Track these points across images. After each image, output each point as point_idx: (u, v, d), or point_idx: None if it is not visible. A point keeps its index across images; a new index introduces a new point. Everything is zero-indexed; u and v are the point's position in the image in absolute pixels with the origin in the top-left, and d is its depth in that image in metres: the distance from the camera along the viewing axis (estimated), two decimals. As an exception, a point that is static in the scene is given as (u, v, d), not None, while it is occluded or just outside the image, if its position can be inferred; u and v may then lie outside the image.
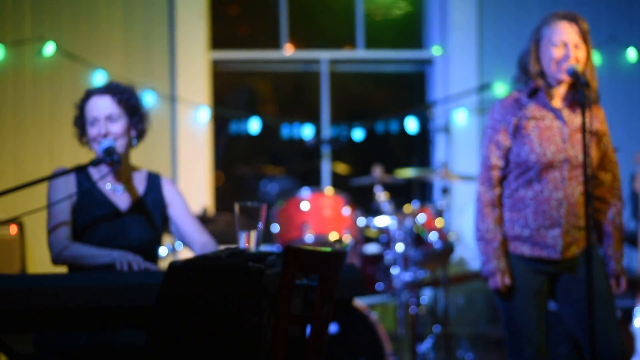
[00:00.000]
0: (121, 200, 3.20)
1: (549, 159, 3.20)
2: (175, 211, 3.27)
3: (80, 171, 3.18)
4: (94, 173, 3.21)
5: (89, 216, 3.12)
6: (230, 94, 6.08)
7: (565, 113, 3.26)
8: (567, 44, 3.19)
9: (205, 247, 3.19)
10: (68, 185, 3.14)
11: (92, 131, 3.15)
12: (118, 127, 3.15)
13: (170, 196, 3.28)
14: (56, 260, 3.05)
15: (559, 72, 3.21)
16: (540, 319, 3.25)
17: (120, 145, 3.15)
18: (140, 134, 3.25)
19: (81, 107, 3.20)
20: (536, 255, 3.24)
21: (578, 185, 3.22)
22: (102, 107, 3.15)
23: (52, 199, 3.11)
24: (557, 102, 3.28)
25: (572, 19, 3.22)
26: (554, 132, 3.22)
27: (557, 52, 3.20)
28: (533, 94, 3.28)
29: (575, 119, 3.25)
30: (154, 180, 3.30)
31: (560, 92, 3.27)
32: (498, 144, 3.27)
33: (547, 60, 3.23)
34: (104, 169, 3.18)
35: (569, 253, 3.25)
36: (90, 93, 3.20)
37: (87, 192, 3.15)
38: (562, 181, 3.21)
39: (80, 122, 3.21)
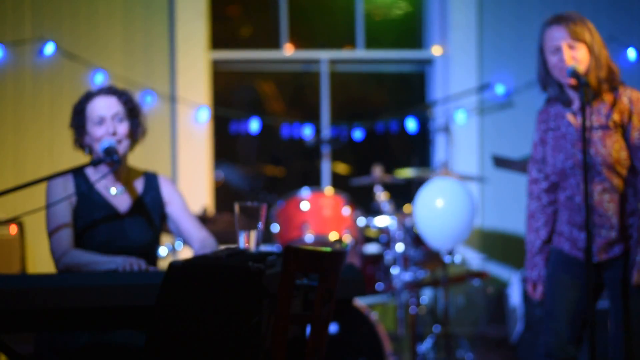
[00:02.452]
0: (120, 202, 3.19)
1: (560, 168, 3.26)
2: (173, 209, 3.27)
3: (78, 174, 3.17)
4: (92, 175, 3.19)
5: (89, 219, 3.11)
6: (235, 93, 6.09)
7: (579, 115, 3.25)
8: (560, 48, 3.20)
9: (204, 243, 3.19)
10: (66, 189, 3.12)
11: (99, 131, 3.12)
12: (124, 127, 3.15)
13: (168, 195, 3.28)
14: (58, 265, 3.04)
15: (562, 76, 3.21)
16: (572, 312, 3.27)
17: (124, 147, 3.15)
18: (139, 137, 3.25)
19: (82, 107, 3.17)
20: (573, 255, 3.30)
21: (596, 185, 3.20)
22: (109, 106, 3.14)
23: (51, 202, 3.10)
24: (574, 105, 3.27)
25: (558, 21, 3.22)
26: (566, 139, 3.25)
27: (554, 58, 3.21)
28: (549, 103, 3.34)
29: (587, 120, 3.21)
30: (151, 180, 3.29)
31: (573, 94, 3.27)
32: (534, 158, 3.40)
33: (550, 69, 3.24)
34: (103, 169, 3.17)
35: (604, 254, 3.25)
36: (92, 93, 3.18)
37: (86, 195, 3.13)
38: (577, 186, 3.23)
39: (81, 123, 3.16)
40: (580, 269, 3.26)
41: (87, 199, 3.13)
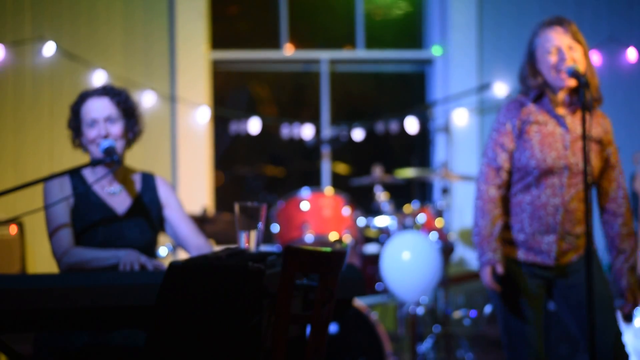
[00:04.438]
0: (118, 202, 3.18)
1: (549, 165, 3.19)
2: (171, 213, 3.25)
3: (75, 175, 3.16)
4: (89, 176, 3.18)
5: (87, 221, 3.10)
6: (230, 95, 6.09)
7: (569, 120, 3.24)
8: (560, 48, 3.19)
9: (201, 250, 3.18)
10: (63, 190, 3.12)
11: (91, 133, 3.11)
12: (117, 128, 3.14)
13: (165, 197, 3.27)
14: (60, 265, 3.03)
15: (559, 77, 3.20)
16: (538, 322, 3.24)
17: (119, 147, 3.14)
18: (136, 136, 3.24)
19: (77, 109, 3.17)
20: (530, 260, 3.24)
21: (577, 192, 3.21)
22: (101, 108, 3.13)
23: (49, 203, 3.09)
24: (561, 108, 3.27)
25: (558, 22, 3.22)
26: (556, 138, 3.21)
27: (553, 59, 3.20)
28: (537, 99, 3.28)
29: (578, 127, 3.23)
30: (148, 180, 3.28)
31: (562, 98, 3.26)
32: (503, 146, 3.26)
33: (546, 69, 3.22)
34: (100, 170, 3.16)
35: (564, 259, 3.24)
36: (86, 95, 3.18)
37: (83, 196, 3.13)
38: (560, 188, 3.20)
39: (76, 125, 3.17)
40: (535, 273, 3.25)
41: (85, 200, 3.13)
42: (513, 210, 3.26)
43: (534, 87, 3.25)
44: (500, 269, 3.20)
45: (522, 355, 3.23)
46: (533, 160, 3.20)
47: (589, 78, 3.19)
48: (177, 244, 3.30)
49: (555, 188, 3.20)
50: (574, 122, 3.24)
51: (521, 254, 3.24)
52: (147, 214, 3.20)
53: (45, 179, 3.03)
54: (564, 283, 3.27)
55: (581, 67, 3.19)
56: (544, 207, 3.21)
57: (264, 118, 5.79)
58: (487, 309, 5.00)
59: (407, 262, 4.56)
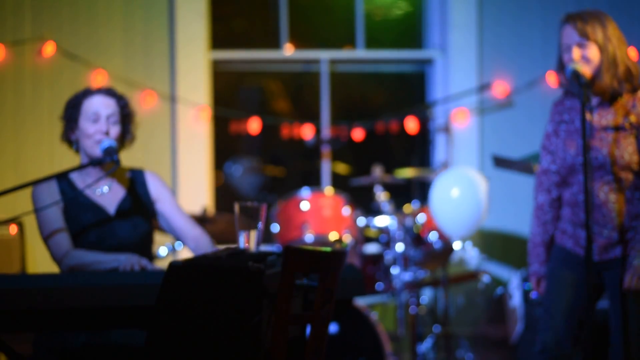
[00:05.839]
0: (107, 201, 3.16)
1: (569, 162, 3.22)
2: (163, 206, 3.24)
3: (62, 178, 3.14)
4: (78, 181, 3.17)
5: (78, 222, 3.08)
6: (240, 92, 6.09)
7: (595, 113, 3.23)
8: (570, 47, 3.19)
9: (199, 241, 3.17)
10: (52, 194, 3.11)
11: (91, 127, 3.10)
12: (116, 130, 3.14)
13: (156, 191, 3.25)
14: (61, 267, 3.02)
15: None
16: (570, 309, 3.25)
17: None
18: (127, 143, 3.24)
19: (78, 101, 3.14)
20: (577, 252, 3.29)
21: (604, 185, 3.19)
22: (107, 106, 3.13)
23: (40, 207, 3.08)
24: (592, 102, 3.26)
25: (568, 20, 3.22)
26: (579, 134, 3.22)
27: (566, 57, 3.21)
28: (565, 96, 3.32)
29: (603, 119, 3.21)
30: (137, 176, 3.27)
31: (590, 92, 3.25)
32: (546, 148, 3.36)
33: (565, 65, 3.24)
34: (94, 173, 3.15)
35: (607, 254, 3.23)
36: (92, 91, 3.17)
37: (72, 198, 3.11)
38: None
39: (73, 117, 3.13)
40: (581, 267, 3.25)
41: (74, 202, 3.11)
42: (563, 205, 3.34)
43: (562, 82, 3.30)
44: (543, 285, 3.34)
45: (543, 334, 3.27)
46: (558, 159, 3.28)
47: (607, 69, 3.15)
48: (175, 238, 3.28)
49: (581, 184, 3.22)
50: (599, 114, 3.23)
51: (569, 244, 3.30)
52: (139, 210, 3.19)
53: (34, 183, 3.01)
54: (610, 280, 3.26)
55: (591, 64, 3.17)
56: (576, 204, 3.26)
57: (264, 118, 5.79)
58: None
59: (456, 198, 4.58)
